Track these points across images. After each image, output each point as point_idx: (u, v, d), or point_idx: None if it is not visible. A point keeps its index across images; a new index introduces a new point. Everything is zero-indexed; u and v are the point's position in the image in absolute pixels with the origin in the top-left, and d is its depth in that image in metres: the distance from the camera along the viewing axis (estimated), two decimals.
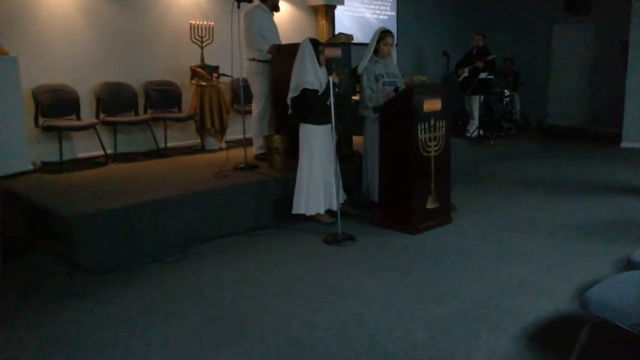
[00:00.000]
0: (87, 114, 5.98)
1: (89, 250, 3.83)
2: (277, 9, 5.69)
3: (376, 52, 5.04)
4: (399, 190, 4.59)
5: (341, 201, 4.77)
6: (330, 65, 4.65)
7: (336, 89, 4.67)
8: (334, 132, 4.51)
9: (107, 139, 5.97)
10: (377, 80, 4.99)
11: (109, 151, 5.95)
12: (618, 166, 7.15)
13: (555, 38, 10.67)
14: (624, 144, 8.52)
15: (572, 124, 10.36)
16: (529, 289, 3.36)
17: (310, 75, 4.53)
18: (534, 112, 10.69)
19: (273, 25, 5.65)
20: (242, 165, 5.36)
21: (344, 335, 2.83)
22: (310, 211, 4.67)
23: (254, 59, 5.56)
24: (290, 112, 4.74)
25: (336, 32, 8.13)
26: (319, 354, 2.65)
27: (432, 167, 4.60)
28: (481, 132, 8.45)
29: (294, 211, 4.68)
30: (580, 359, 2.19)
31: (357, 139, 6.30)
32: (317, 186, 4.63)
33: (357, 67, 5.28)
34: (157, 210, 4.20)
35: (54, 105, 5.60)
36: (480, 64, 8.54)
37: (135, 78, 6.34)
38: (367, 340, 2.78)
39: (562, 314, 3.01)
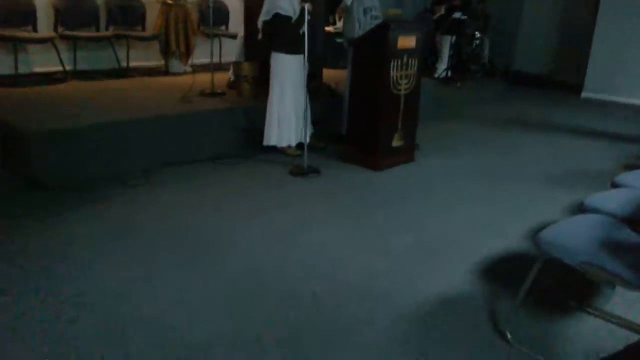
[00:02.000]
0: (45, 27, 5.63)
1: (48, 168, 3.74)
2: None
3: None
4: (366, 127, 4.61)
5: (309, 134, 4.76)
6: None
7: (309, 18, 4.54)
8: (306, 63, 4.42)
9: (66, 55, 5.68)
10: (365, 13, 4.88)
11: (68, 67, 5.67)
12: (579, 115, 7.37)
13: None
14: (584, 95, 8.74)
15: (538, 71, 10.48)
16: (486, 228, 3.52)
17: (284, 0, 4.37)
18: (502, 57, 10.73)
19: None
20: (208, 92, 5.24)
21: (306, 264, 2.92)
22: (282, 143, 4.65)
23: None
24: (261, 37, 4.59)
25: None
26: (280, 281, 2.74)
27: (402, 106, 4.62)
28: (449, 74, 8.46)
29: (265, 143, 4.64)
30: (530, 292, 2.34)
31: (326, 72, 6.22)
32: (288, 118, 4.59)
33: None
34: (120, 132, 4.10)
35: (9, 15, 5.25)
36: (458, 2, 8.41)
37: None
38: (329, 269, 2.87)
39: (515, 252, 3.18)
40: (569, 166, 4.97)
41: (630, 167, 4.37)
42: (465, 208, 3.85)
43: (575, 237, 2.30)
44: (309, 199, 3.87)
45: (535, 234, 2.32)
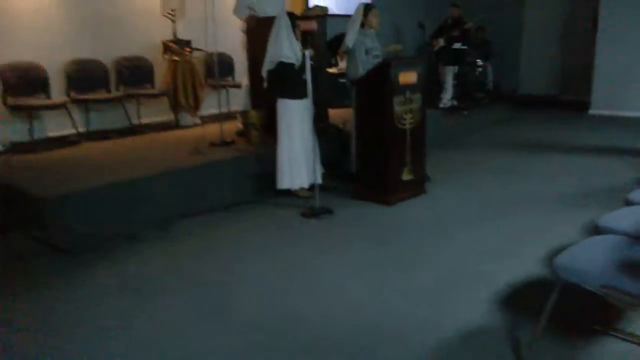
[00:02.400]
0: (57, 92, 5.83)
1: (64, 231, 3.80)
2: None
3: (362, 25, 5.02)
4: (374, 163, 4.65)
5: (319, 175, 4.81)
6: (306, 39, 4.62)
7: (311, 62, 4.66)
8: (312, 106, 4.52)
9: (78, 117, 5.86)
10: (367, 53, 4.99)
11: (81, 129, 5.84)
12: (588, 132, 7.36)
13: (528, 7, 10.73)
14: (592, 111, 8.73)
15: (544, 92, 10.52)
16: (502, 255, 3.49)
17: (286, 48, 4.51)
18: (506, 81, 10.80)
19: None
20: (218, 142, 5.34)
21: (327, 307, 2.91)
22: (294, 186, 4.70)
23: (243, 31, 5.49)
24: (266, 86, 4.71)
25: (310, 5, 8.04)
26: (304, 324, 2.73)
27: (408, 140, 4.67)
28: (454, 103, 8.53)
29: (278, 186, 4.70)
30: (552, 319, 2.31)
31: (332, 112, 6.33)
32: (298, 161, 4.66)
33: (334, 38, 5.26)
34: (133, 189, 4.18)
35: (22, 83, 5.45)
36: (457, 33, 8.55)
37: (106, 54, 6.18)
38: (349, 310, 2.86)
39: (532, 278, 3.14)
40: (581, 185, 4.93)
41: None
42: (480, 236, 3.83)
43: (592, 260, 2.28)
44: (323, 240, 3.88)
45: (552, 257, 2.30)
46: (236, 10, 5.49)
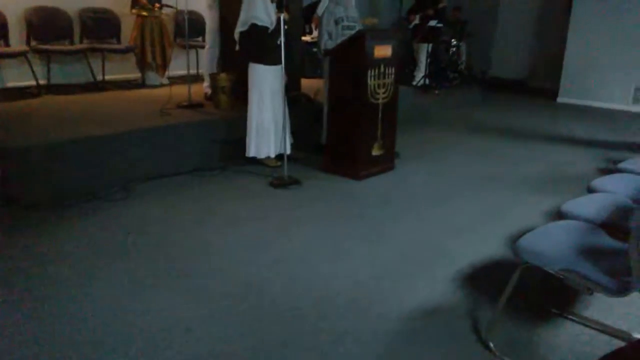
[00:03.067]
0: (17, 40, 5.54)
1: (24, 184, 3.67)
2: None
3: None
4: (345, 136, 4.61)
5: (289, 145, 4.74)
6: (281, 2, 4.47)
7: (286, 27, 4.54)
8: (284, 74, 4.42)
9: (39, 69, 5.59)
10: (336, 23, 4.86)
11: (41, 81, 5.58)
12: (555, 120, 7.49)
13: None
14: (560, 99, 8.89)
15: (514, 76, 10.63)
16: (466, 234, 3.53)
17: (260, 10, 4.36)
18: (479, 62, 10.87)
19: None
20: (185, 104, 5.19)
21: (290, 276, 2.89)
22: (261, 154, 4.63)
23: None
24: (238, 48, 4.57)
25: None
26: (264, 294, 2.71)
27: (380, 114, 4.63)
28: (427, 81, 8.53)
29: (247, 154, 4.62)
30: (511, 300, 2.35)
31: (304, 82, 6.23)
32: (267, 129, 4.57)
33: (309, 5, 5.15)
34: (97, 146, 4.04)
35: None
36: (431, 11, 8.50)
37: (71, 3, 5.89)
38: (312, 280, 2.85)
39: (495, 258, 3.19)
40: (546, 171, 5.03)
41: (606, 172, 4.44)
42: (445, 214, 3.87)
43: (553, 244, 2.32)
44: (289, 210, 3.85)
45: (515, 240, 2.33)
46: None
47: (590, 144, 6.09)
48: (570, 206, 2.77)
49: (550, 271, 2.20)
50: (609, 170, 4.36)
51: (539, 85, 10.00)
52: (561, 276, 2.19)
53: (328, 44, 4.84)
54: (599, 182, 3.15)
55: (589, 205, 2.75)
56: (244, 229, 3.48)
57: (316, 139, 5.22)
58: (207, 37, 5.59)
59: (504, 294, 2.35)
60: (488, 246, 3.34)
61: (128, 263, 2.97)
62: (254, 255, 3.12)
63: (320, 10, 4.91)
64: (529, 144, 6.04)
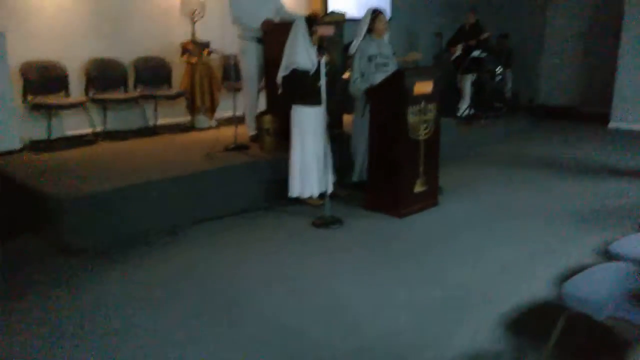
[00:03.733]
0: (77, 90, 5.92)
1: (77, 231, 3.86)
2: None
3: (369, 31, 4.99)
4: (387, 173, 4.63)
5: (331, 183, 4.81)
6: (322, 45, 4.59)
7: (327, 70, 4.66)
8: (326, 114, 4.52)
9: (96, 116, 5.94)
10: (370, 60, 4.92)
11: (98, 129, 5.92)
12: (606, 147, 7.23)
13: (550, 14, 10.58)
14: (611, 125, 8.59)
15: (563, 103, 10.38)
16: (511, 274, 3.45)
17: (301, 55, 4.49)
18: (525, 90, 10.69)
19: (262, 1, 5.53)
20: (232, 146, 5.36)
21: (330, 321, 2.91)
22: (305, 194, 4.70)
23: (241, 37, 5.50)
24: (280, 92, 4.72)
25: (329, 9, 8.04)
26: (304, 340, 2.73)
27: (422, 151, 4.64)
28: (472, 111, 8.45)
29: (290, 194, 4.71)
30: (555, 348, 2.28)
31: (347, 118, 6.31)
32: (310, 169, 4.65)
33: (349, 44, 5.23)
34: (148, 191, 4.22)
35: (43, 82, 5.54)
36: (472, 42, 8.47)
37: (125, 54, 6.25)
38: (352, 326, 2.85)
39: (541, 301, 3.10)
40: (598, 204, 4.84)
41: None
42: (492, 253, 3.79)
43: (600, 289, 2.25)
44: (332, 251, 3.88)
45: (562, 280, 2.27)
46: (235, 20, 5.45)
47: None
48: (619, 246, 2.68)
49: (598, 319, 2.13)
50: None
51: (589, 110, 9.68)
52: (609, 324, 2.11)
53: (358, 81, 4.90)
54: None
55: (639, 245, 2.65)
56: (286, 271, 3.54)
57: (349, 177, 5.24)
58: (245, 81, 5.75)
59: (549, 341, 2.28)
60: (534, 287, 3.24)
61: (172, 308, 3.06)
62: (296, 301, 3.15)
63: (352, 49, 4.99)
64: (578, 175, 5.85)
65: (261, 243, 4.06)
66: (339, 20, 5.79)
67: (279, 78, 4.66)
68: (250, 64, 5.53)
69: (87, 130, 5.87)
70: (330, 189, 4.62)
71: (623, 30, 8.36)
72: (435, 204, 4.85)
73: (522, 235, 4.12)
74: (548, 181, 5.66)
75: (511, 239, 4.05)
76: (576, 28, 10.17)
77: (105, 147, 5.58)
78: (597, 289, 2.24)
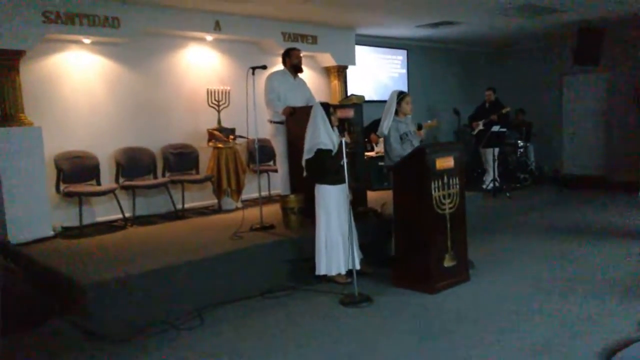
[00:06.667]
0: (107, 178, 6.12)
1: (104, 317, 3.84)
2: (298, 69, 5.92)
3: (396, 112, 5.13)
4: (414, 249, 4.56)
5: (357, 260, 4.75)
6: (342, 126, 4.72)
7: (348, 149, 4.77)
8: (349, 191, 4.55)
9: (126, 203, 6.08)
10: (401, 139, 5.05)
11: (127, 214, 6.05)
12: (638, 215, 7.03)
13: (567, 88, 10.76)
14: None
15: (588, 172, 10.28)
16: (552, 354, 3.26)
17: (323, 136, 4.62)
18: (549, 162, 10.68)
19: (293, 87, 5.85)
20: (257, 226, 5.40)
21: None
22: (332, 271, 4.66)
23: (270, 121, 5.77)
24: (305, 174, 4.79)
25: (349, 92, 8.35)
26: None
27: (448, 225, 4.59)
28: (497, 184, 8.42)
29: (317, 272, 4.67)
30: None
31: (371, 195, 6.34)
32: (335, 246, 4.64)
33: (372, 124, 5.39)
34: (173, 275, 4.23)
35: (75, 171, 5.77)
36: (495, 117, 8.61)
37: (154, 142, 6.52)
38: None
39: None
40: (635, 272, 4.64)
41: None
42: (527, 330, 3.61)
43: None
44: (361, 331, 3.75)
45: (610, 355, 2.13)
46: (274, 111, 5.76)
47: None
48: None
49: None
50: None
51: (618, 179, 9.53)
52: None
53: (399, 148, 4.98)
54: None
55: None
56: (316, 356, 3.41)
57: (388, 251, 5.17)
58: (278, 160, 5.98)
59: None
60: None
61: None
62: None
63: (385, 128, 5.10)
64: (615, 244, 5.66)
65: (288, 324, 3.96)
66: (358, 103, 6.00)
67: (304, 162, 4.75)
68: (281, 144, 5.84)
69: (117, 215, 6.00)
70: (357, 266, 4.56)
71: None
72: (466, 279, 4.72)
73: (559, 310, 3.93)
74: (581, 251, 5.49)
75: (547, 315, 3.87)
76: (594, 98, 10.28)
77: (134, 232, 5.68)
78: None
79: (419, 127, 5.24)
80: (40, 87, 5.73)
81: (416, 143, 5.10)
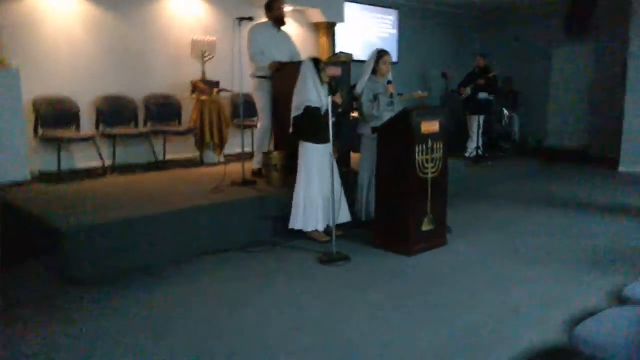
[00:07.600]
0: (87, 125, 6.00)
1: (81, 263, 3.84)
2: (281, 22, 5.73)
3: (374, 71, 5.06)
4: (395, 212, 4.60)
5: (344, 221, 4.78)
6: (331, 85, 4.65)
7: (339, 110, 4.72)
8: (334, 151, 4.52)
9: (106, 151, 5.99)
10: (375, 99, 4.99)
11: (107, 163, 5.96)
12: (616, 191, 7.15)
13: (555, 60, 10.73)
14: (621, 169, 8.53)
15: (571, 145, 10.38)
16: (522, 317, 3.35)
17: (312, 93, 4.56)
18: (533, 132, 10.73)
19: (277, 40, 5.68)
20: (239, 181, 5.37)
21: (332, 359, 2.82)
22: (308, 227, 4.68)
23: (253, 75, 5.63)
24: (292, 131, 4.74)
25: (337, 50, 8.20)
26: None
27: (429, 189, 4.61)
28: (480, 152, 8.46)
29: (291, 226, 4.69)
30: None
31: (355, 156, 6.32)
32: (314, 203, 4.65)
33: (355, 85, 5.30)
34: (152, 224, 4.21)
35: (54, 116, 5.64)
36: (482, 82, 8.57)
37: (136, 91, 6.38)
38: None
39: (552, 345, 2.99)
40: (608, 246, 4.75)
41: None
42: (500, 295, 3.70)
43: (613, 333, 2.17)
44: (337, 289, 3.81)
45: (574, 325, 2.19)
46: (258, 66, 5.59)
47: None
48: (632, 290, 2.61)
49: None
50: None
51: (598, 153, 9.65)
52: None
53: (369, 105, 4.95)
54: None
55: None
56: (290, 309, 3.46)
57: (358, 215, 5.20)
58: (260, 117, 5.87)
59: None
60: (547, 331, 3.13)
61: (169, 343, 2.99)
62: (299, 338, 3.08)
63: (359, 89, 5.05)
64: (591, 217, 5.77)
65: (265, 278, 4.00)
66: (346, 61, 5.89)
67: (292, 118, 4.68)
68: (263, 99, 5.67)
69: (97, 163, 5.91)
70: (342, 220, 4.64)
71: (628, 72, 8.41)
72: (444, 243, 4.79)
73: (533, 278, 4.02)
74: (557, 222, 5.59)
75: (520, 281, 3.96)
76: (582, 70, 10.27)
77: (113, 180, 5.62)
78: (611, 334, 2.17)
79: (389, 82, 5.14)
80: (19, 28, 5.52)
81: (399, 107, 5.03)
